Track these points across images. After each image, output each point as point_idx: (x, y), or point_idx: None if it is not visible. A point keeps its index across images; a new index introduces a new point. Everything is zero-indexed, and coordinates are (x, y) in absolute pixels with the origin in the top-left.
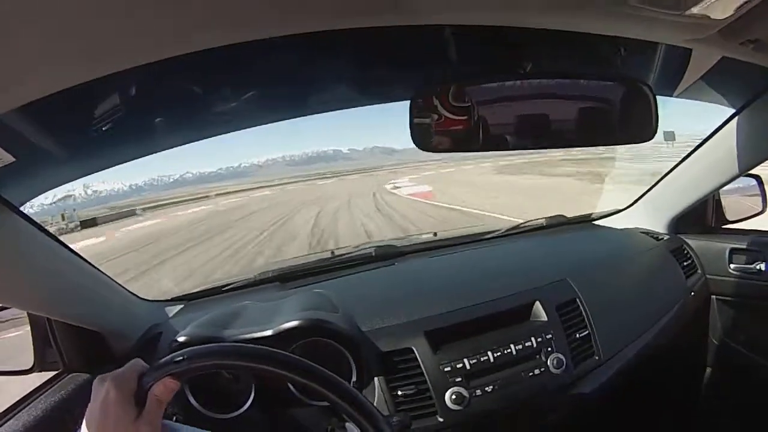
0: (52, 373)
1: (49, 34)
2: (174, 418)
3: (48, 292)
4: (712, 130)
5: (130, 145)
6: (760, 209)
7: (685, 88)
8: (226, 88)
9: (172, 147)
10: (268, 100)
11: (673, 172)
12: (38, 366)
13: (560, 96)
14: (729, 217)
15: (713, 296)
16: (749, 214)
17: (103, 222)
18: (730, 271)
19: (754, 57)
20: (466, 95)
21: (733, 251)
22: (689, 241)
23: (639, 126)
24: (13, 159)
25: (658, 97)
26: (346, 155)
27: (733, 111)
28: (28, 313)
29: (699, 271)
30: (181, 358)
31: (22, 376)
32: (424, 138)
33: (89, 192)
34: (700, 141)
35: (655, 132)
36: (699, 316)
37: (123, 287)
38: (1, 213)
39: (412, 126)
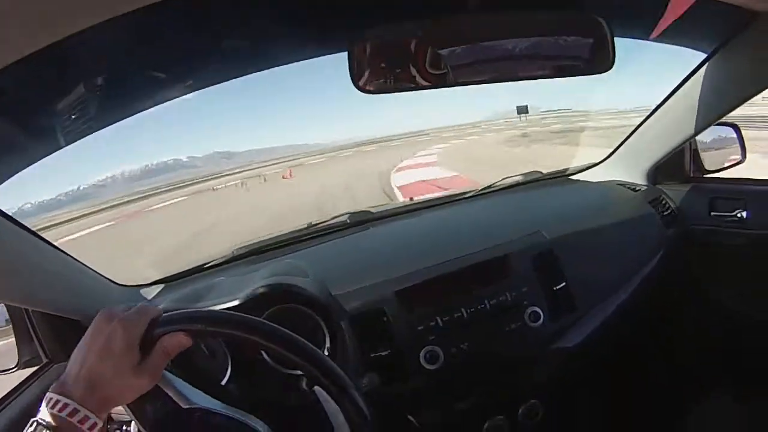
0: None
1: None
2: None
3: (21, 281)
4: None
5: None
6: (740, 158)
7: (660, 31)
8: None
9: None
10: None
11: (647, 122)
12: (22, 362)
13: (513, 30)
14: (709, 168)
15: (695, 245)
16: (729, 164)
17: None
18: (711, 219)
19: None
20: (410, 35)
21: (713, 199)
22: (668, 192)
23: (595, 58)
24: None
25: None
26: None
27: (704, 56)
28: (8, 310)
29: (679, 220)
30: (199, 316)
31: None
32: (367, 81)
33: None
34: (674, 88)
35: (612, 64)
36: (681, 265)
37: (99, 273)
38: None
39: (353, 73)
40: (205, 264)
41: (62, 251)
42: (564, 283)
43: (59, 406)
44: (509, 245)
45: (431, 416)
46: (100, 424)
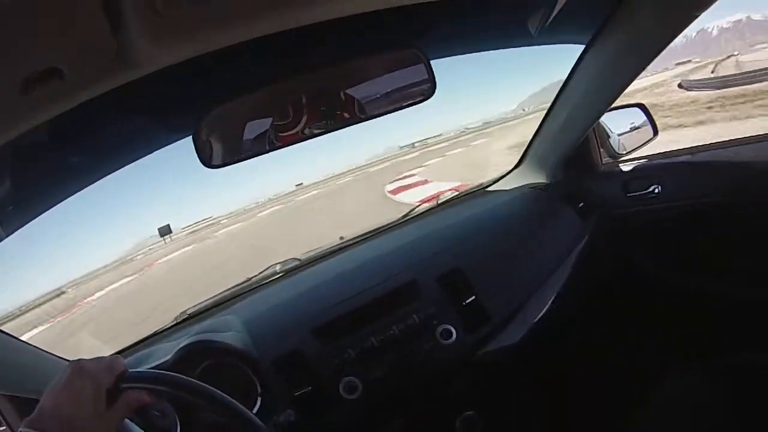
0: None
1: None
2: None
3: None
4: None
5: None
6: (652, 134)
7: (535, 33)
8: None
9: None
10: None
11: (545, 121)
12: None
13: (346, 77)
14: (624, 151)
15: (618, 229)
16: (642, 142)
17: None
18: (629, 200)
19: None
20: (251, 106)
21: (627, 181)
22: (583, 184)
23: (419, 86)
24: None
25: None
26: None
27: (582, 47)
28: None
29: (596, 209)
30: (164, 379)
31: None
32: (214, 156)
33: None
34: (562, 83)
35: (434, 89)
36: (607, 252)
37: (49, 352)
38: None
39: (199, 152)
40: (153, 332)
41: (14, 337)
42: (473, 297)
43: None
44: (413, 271)
45: None
46: None
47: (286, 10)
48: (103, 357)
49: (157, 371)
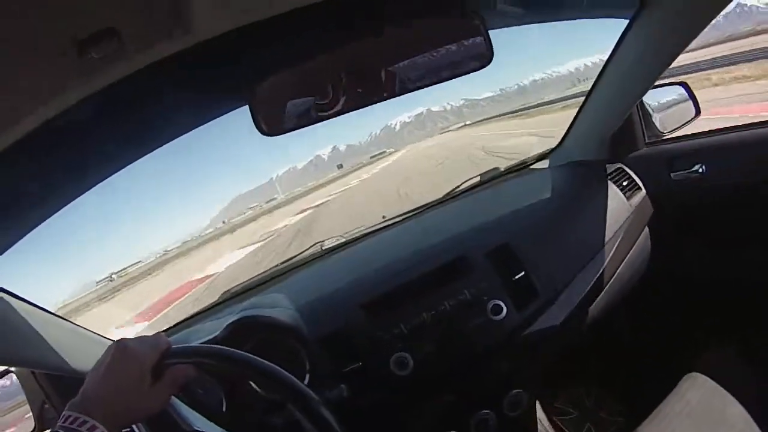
0: None
1: None
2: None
3: (25, 348)
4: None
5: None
6: (694, 113)
7: (580, 7)
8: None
9: None
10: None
11: (590, 97)
12: (39, 427)
13: (399, 47)
14: (665, 129)
15: (661, 209)
16: (684, 122)
17: None
18: (672, 179)
19: None
20: (304, 72)
21: (671, 160)
22: (627, 162)
23: (475, 55)
24: None
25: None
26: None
27: (627, 21)
28: (19, 378)
29: (641, 188)
30: (209, 352)
31: None
32: (271, 124)
33: None
34: (606, 59)
35: (491, 56)
36: (649, 232)
37: (98, 334)
38: None
39: (257, 119)
40: (196, 312)
41: (65, 319)
42: (523, 272)
43: (78, 422)
44: (463, 246)
45: (414, 418)
46: None
47: None
48: (146, 336)
49: (200, 345)
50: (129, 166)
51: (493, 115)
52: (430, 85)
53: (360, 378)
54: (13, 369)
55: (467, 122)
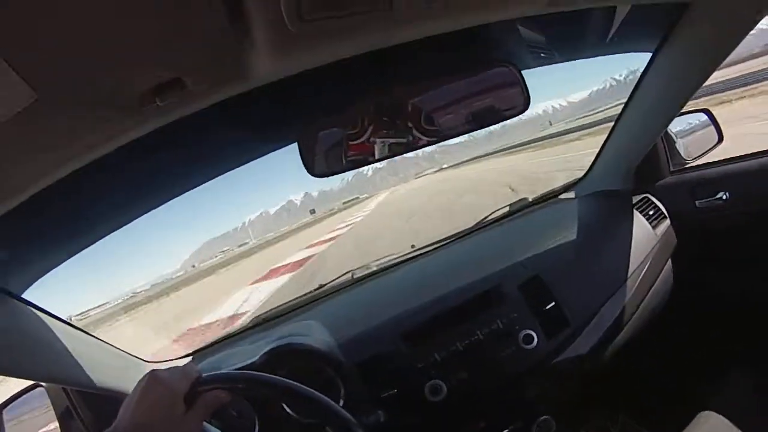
0: None
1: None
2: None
3: (58, 365)
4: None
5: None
6: (717, 140)
7: (604, 45)
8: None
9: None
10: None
11: (616, 128)
12: None
13: (439, 97)
14: (690, 157)
15: (686, 237)
16: (707, 149)
17: None
18: (696, 207)
19: None
20: (350, 120)
21: (695, 188)
22: (653, 191)
23: (513, 100)
24: (7, 254)
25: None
26: None
27: (650, 54)
28: (48, 391)
29: (666, 217)
30: (237, 377)
31: None
32: (320, 166)
33: None
34: (631, 90)
35: (528, 101)
36: (675, 260)
37: (130, 354)
38: (5, 303)
39: (306, 159)
40: (226, 335)
41: (95, 337)
42: (553, 303)
43: None
44: (496, 277)
45: None
46: None
47: (394, 26)
48: (176, 366)
49: (232, 371)
50: None
51: (479, 155)
52: (468, 132)
53: (394, 404)
54: (43, 383)
55: (452, 163)
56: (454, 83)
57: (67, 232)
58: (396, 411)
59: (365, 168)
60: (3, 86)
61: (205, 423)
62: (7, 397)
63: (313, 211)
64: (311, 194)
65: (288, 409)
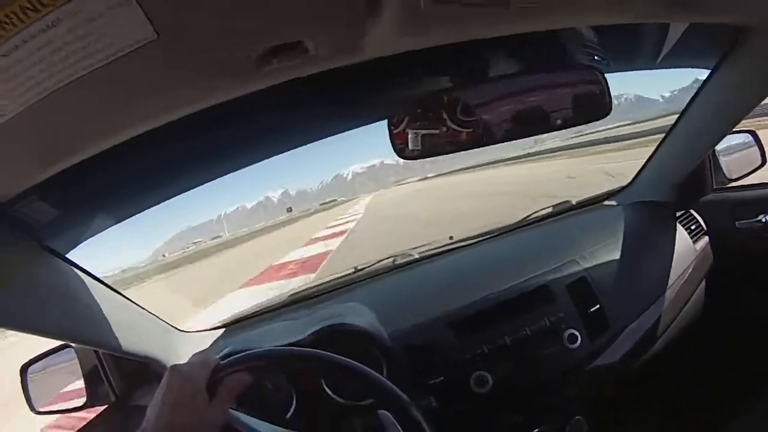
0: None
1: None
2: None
3: (94, 327)
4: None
5: (149, 194)
6: (760, 162)
7: (661, 58)
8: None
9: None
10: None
11: (666, 140)
12: (90, 401)
13: (525, 93)
14: (731, 176)
15: (724, 256)
16: (749, 170)
17: None
18: (736, 227)
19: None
20: (440, 105)
21: (736, 207)
22: (695, 206)
23: (595, 105)
24: (57, 213)
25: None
26: None
27: (708, 72)
28: (77, 352)
29: (706, 233)
30: (256, 355)
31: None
32: (406, 148)
33: None
34: (685, 105)
35: (610, 108)
36: (712, 277)
37: (165, 321)
38: (49, 260)
39: (393, 139)
40: (260, 310)
41: (133, 302)
42: (598, 306)
43: None
44: (546, 275)
45: None
46: None
47: (509, 21)
48: (194, 357)
49: (248, 352)
50: None
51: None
52: (551, 131)
53: (440, 391)
54: (73, 344)
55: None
56: (539, 81)
57: (123, 194)
58: (440, 399)
59: (345, 171)
60: (127, 20)
61: (232, 411)
62: (32, 357)
63: (289, 210)
64: (290, 192)
65: (327, 390)
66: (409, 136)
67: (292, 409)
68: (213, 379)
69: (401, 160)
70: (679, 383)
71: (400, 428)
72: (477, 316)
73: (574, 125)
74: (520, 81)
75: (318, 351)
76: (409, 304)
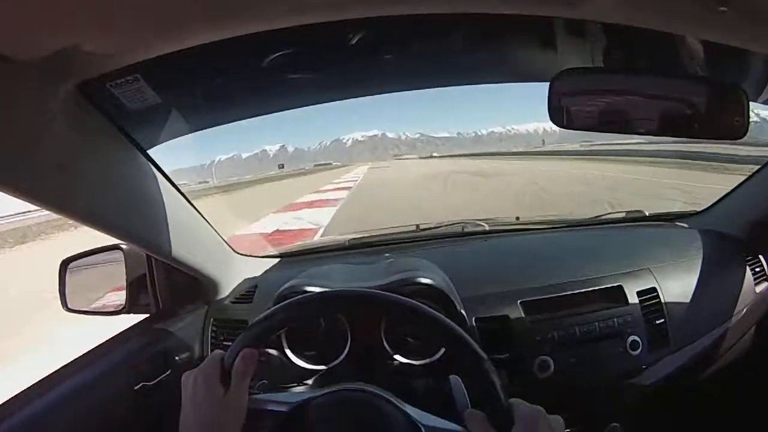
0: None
1: None
2: (258, 386)
3: (159, 232)
4: None
5: (234, 108)
6: None
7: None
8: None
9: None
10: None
11: (752, 178)
12: (129, 307)
13: (663, 91)
14: None
15: None
16: None
17: None
18: None
19: None
20: (598, 82)
21: None
22: (762, 250)
23: (730, 123)
24: (159, 101)
25: None
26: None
27: None
28: (125, 256)
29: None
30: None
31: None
32: (562, 116)
33: None
34: None
35: (746, 131)
36: (764, 323)
37: (224, 239)
38: (131, 153)
39: (551, 104)
40: (319, 246)
41: (201, 215)
42: (663, 320)
43: None
44: (622, 278)
45: None
46: None
47: None
48: (208, 357)
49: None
50: None
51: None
52: (680, 136)
53: (501, 368)
54: (123, 245)
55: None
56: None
57: (216, 99)
58: (501, 375)
59: (345, 137)
60: None
61: (255, 395)
62: (76, 253)
63: (281, 166)
64: (287, 148)
65: (385, 343)
66: (568, 104)
67: (344, 354)
68: (224, 372)
69: (402, 135)
70: (718, 414)
71: (467, 396)
72: (550, 300)
73: (707, 138)
74: (669, 81)
75: (400, 297)
76: (482, 273)
